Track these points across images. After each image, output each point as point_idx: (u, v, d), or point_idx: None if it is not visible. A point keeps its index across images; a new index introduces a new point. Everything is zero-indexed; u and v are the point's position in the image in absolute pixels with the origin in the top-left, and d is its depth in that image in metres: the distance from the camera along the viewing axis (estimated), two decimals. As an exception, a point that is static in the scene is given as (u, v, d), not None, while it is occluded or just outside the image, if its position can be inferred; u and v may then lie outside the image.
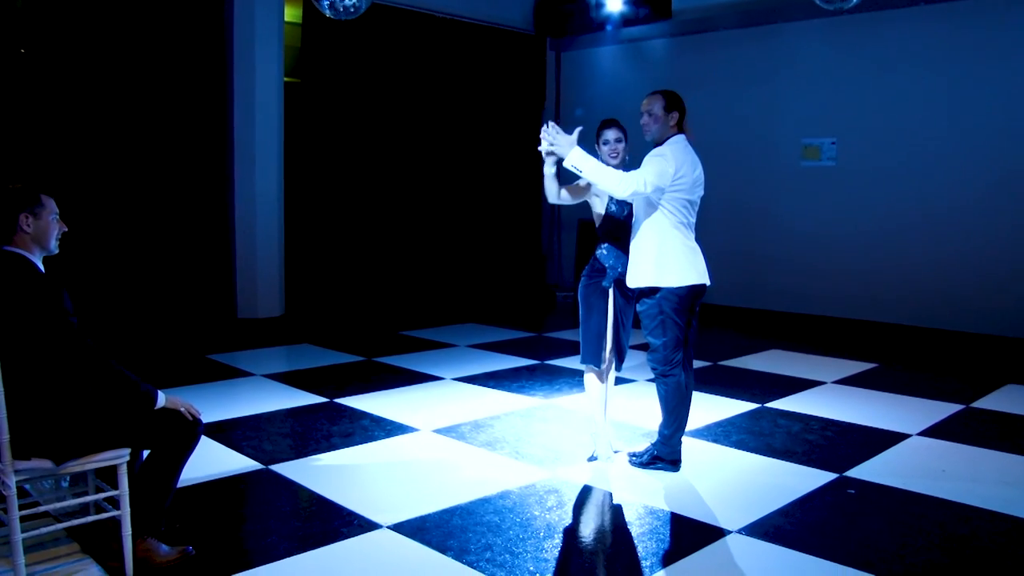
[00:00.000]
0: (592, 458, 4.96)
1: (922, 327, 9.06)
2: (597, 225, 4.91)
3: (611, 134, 4.78)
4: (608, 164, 4.66)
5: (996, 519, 4.18)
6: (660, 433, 4.74)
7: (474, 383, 6.83)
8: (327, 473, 4.70)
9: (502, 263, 11.88)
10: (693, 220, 4.63)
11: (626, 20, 10.95)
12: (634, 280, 4.58)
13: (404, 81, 10.61)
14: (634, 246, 4.61)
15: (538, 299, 11.75)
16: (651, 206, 4.52)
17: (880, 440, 5.42)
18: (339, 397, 6.28)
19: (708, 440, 5.33)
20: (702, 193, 4.64)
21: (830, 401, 6.38)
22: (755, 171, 10.22)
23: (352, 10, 7.06)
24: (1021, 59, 8.40)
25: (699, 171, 4.60)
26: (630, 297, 4.79)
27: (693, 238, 4.62)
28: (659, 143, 4.58)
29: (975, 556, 3.78)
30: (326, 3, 7.00)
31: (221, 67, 9.09)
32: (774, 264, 10.02)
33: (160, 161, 8.74)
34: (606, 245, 4.83)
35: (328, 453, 5.03)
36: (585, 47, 11.97)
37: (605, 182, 4.39)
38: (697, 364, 7.40)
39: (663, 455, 4.75)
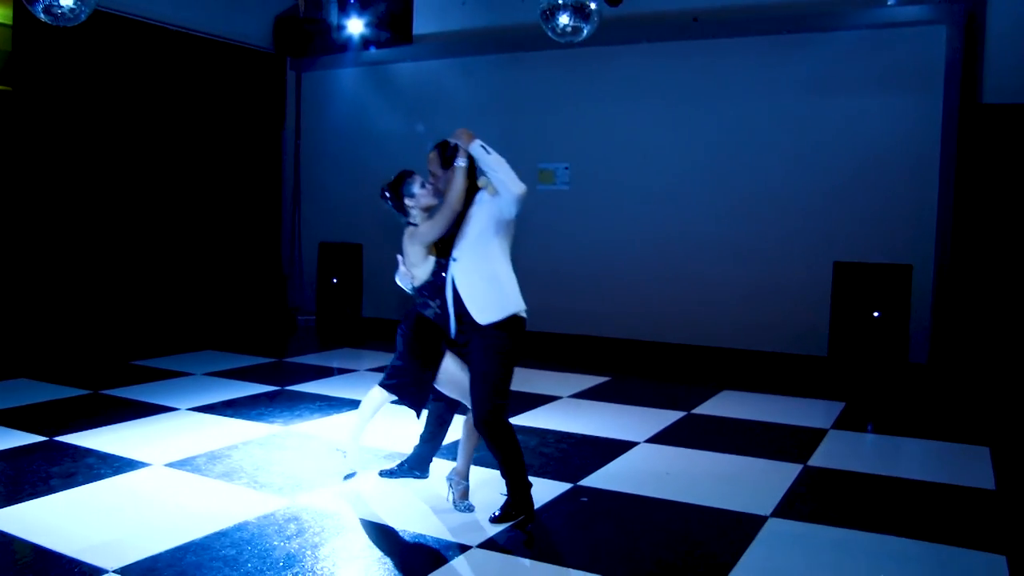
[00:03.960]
0: (350, 475, 5.03)
1: (650, 341, 9.72)
2: (417, 284, 4.62)
3: (417, 187, 4.63)
4: (417, 222, 4.61)
5: (711, 514, 4.58)
6: (514, 492, 4.47)
7: (211, 412, 6.58)
8: (45, 520, 4.35)
9: (240, 285, 11.49)
10: None
11: (367, 43, 11.01)
12: (492, 315, 4.34)
13: (133, 94, 10.04)
14: (486, 280, 4.37)
15: (279, 322, 11.49)
16: (500, 234, 4.39)
17: (611, 449, 5.76)
18: (60, 435, 5.83)
19: (448, 458, 5.41)
20: None
21: (565, 415, 6.71)
22: (495, 194, 10.54)
23: (70, 16, 6.61)
24: (733, 96, 9.27)
25: None
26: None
27: None
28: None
29: (693, 549, 4.13)
30: (40, 7, 6.52)
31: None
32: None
33: None
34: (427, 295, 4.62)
35: (45, 497, 4.65)
36: (327, 68, 11.88)
37: (507, 172, 4.25)
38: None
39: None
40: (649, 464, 5.48)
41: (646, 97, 9.74)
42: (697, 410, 6.94)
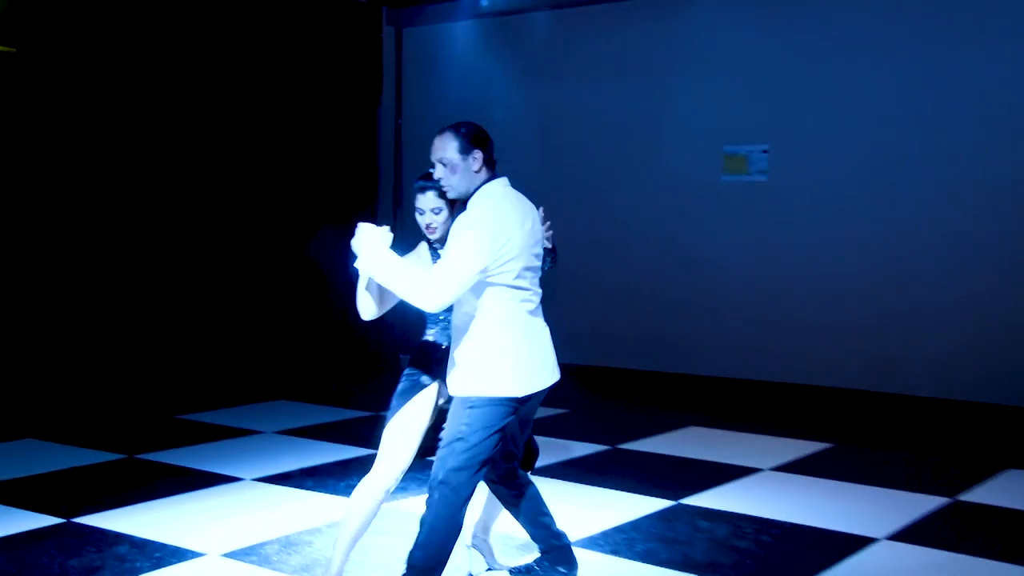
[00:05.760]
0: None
1: (890, 393, 9.34)
2: None
3: (425, 201, 4.68)
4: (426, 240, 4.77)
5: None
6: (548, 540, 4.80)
7: (285, 483, 6.72)
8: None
9: (323, 315, 11.68)
10: (537, 288, 4.53)
11: (488, -14, 11.12)
12: (452, 386, 4.47)
13: (182, 59, 10.28)
14: (463, 335, 4.46)
15: (373, 364, 11.62)
16: (475, 288, 4.33)
17: (836, 546, 5.56)
18: (81, 515, 6.01)
19: (605, 552, 5.35)
20: (541, 248, 4.57)
21: (768, 495, 6.56)
22: (659, 189, 10.42)
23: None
24: (1003, 43, 8.89)
25: (532, 220, 4.49)
26: None
27: (535, 311, 4.53)
28: (468, 198, 4.44)
29: None
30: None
31: None
32: (687, 312, 10.16)
33: None
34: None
35: (61, 600, 4.81)
36: (434, 21, 12.02)
37: (405, 293, 4.25)
38: (591, 448, 7.52)
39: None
40: (894, 572, 5.27)
41: (875, 50, 9.45)
42: (967, 496, 6.65)
